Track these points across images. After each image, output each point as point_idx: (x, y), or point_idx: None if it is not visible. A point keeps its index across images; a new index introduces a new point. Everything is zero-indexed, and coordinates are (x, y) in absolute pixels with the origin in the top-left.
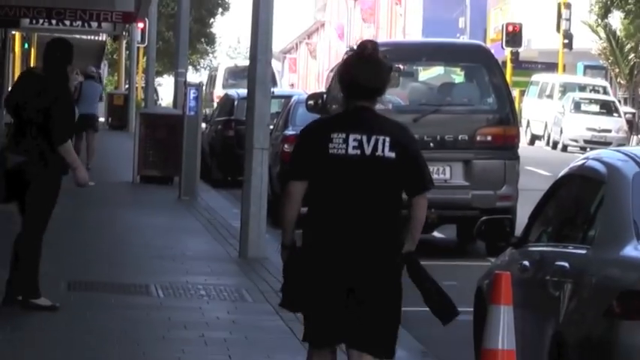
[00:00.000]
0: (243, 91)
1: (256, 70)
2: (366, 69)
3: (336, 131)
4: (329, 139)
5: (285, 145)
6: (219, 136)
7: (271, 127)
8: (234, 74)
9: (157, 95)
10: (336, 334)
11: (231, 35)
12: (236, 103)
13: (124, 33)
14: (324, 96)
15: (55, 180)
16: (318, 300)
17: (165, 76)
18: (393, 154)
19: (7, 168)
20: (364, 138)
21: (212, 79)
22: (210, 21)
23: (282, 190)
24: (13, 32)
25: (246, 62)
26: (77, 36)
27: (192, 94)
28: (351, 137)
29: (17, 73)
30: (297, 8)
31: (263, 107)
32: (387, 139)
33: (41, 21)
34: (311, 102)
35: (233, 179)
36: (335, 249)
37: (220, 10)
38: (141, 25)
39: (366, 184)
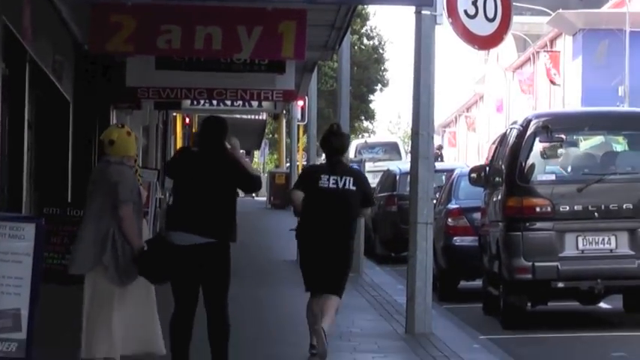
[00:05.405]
0: (405, 166)
1: (419, 145)
2: (336, 139)
3: (323, 173)
4: (319, 178)
5: (449, 219)
6: (381, 211)
7: (434, 201)
8: (364, 149)
9: None
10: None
11: (390, 110)
12: (398, 178)
13: (284, 111)
14: (487, 168)
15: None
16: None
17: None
18: (354, 188)
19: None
20: (338, 178)
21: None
22: (370, 97)
23: (290, 197)
24: (175, 114)
25: (375, 139)
26: (237, 116)
27: None
28: (332, 177)
29: None
30: (456, 82)
31: (426, 182)
32: (351, 179)
33: (202, 102)
34: (474, 175)
35: (396, 255)
36: (318, 239)
37: (380, 86)
38: (301, 102)
39: (339, 205)
